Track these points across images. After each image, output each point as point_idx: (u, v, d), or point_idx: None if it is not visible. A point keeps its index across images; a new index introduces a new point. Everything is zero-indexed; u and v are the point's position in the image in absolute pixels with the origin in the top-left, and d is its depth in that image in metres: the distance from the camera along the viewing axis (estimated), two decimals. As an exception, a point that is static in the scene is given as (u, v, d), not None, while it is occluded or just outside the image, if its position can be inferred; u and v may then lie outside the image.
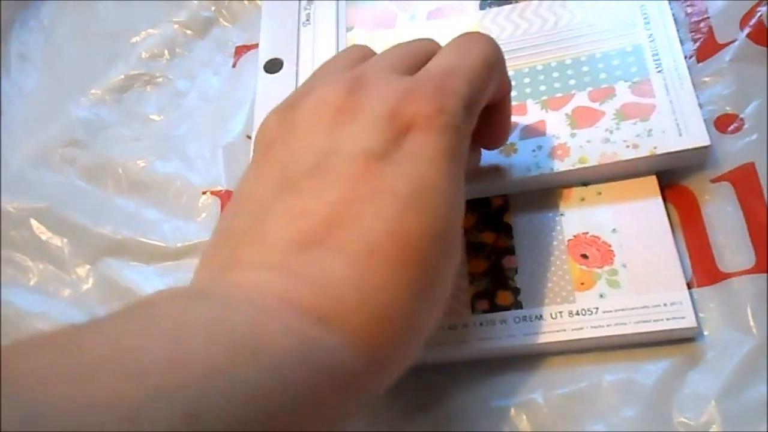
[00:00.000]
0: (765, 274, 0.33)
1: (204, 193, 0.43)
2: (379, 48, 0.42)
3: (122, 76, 0.49)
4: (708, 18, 0.40)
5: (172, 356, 0.21)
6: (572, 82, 0.38)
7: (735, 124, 0.37)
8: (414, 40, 0.33)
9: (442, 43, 0.33)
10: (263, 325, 0.23)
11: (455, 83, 0.29)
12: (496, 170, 0.36)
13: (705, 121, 0.35)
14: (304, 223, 0.26)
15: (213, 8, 0.50)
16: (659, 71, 0.37)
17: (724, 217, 0.35)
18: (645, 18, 0.39)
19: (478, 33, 0.33)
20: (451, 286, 0.28)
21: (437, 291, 0.27)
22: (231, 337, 0.22)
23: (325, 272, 0.25)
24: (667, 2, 0.39)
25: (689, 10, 0.41)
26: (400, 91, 0.28)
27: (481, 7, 0.42)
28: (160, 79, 0.49)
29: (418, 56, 0.32)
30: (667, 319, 0.32)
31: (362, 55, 0.33)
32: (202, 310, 0.23)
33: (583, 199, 0.36)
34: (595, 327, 0.32)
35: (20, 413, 0.17)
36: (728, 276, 0.33)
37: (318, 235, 0.26)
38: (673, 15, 0.39)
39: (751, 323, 0.32)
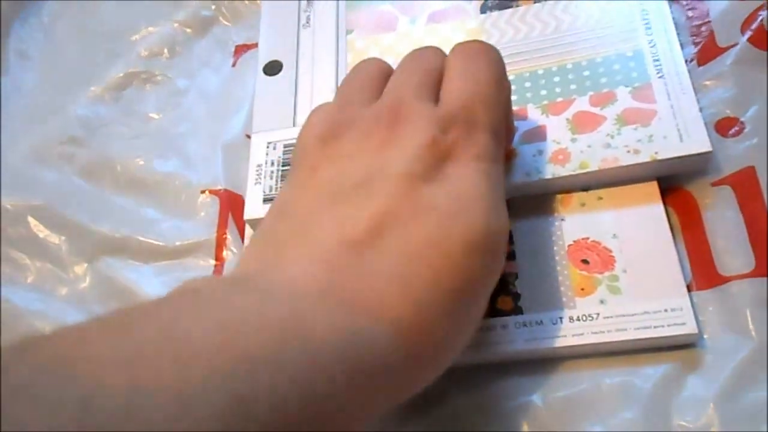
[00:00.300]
0: (764, 278, 0.33)
1: (203, 192, 0.43)
2: (379, 52, 0.42)
3: (121, 74, 0.49)
4: (709, 22, 0.40)
5: (221, 343, 0.21)
6: (573, 86, 0.38)
7: (736, 128, 0.37)
8: (422, 54, 0.35)
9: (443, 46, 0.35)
10: (308, 314, 0.24)
11: (478, 115, 0.31)
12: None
13: (705, 124, 0.35)
14: (349, 228, 0.28)
15: (213, 7, 0.50)
16: (660, 76, 0.37)
17: (724, 221, 0.35)
18: (646, 23, 0.39)
19: (480, 46, 0.34)
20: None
21: (477, 302, 0.29)
22: (277, 326, 0.23)
23: (370, 269, 0.26)
24: (668, 7, 0.39)
25: (690, 13, 0.41)
26: (435, 124, 0.30)
27: (482, 11, 0.42)
28: (160, 78, 0.49)
29: (434, 76, 0.33)
30: (668, 325, 0.32)
31: (380, 70, 0.35)
32: (249, 298, 0.24)
33: (583, 205, 0.36)
34: (595, 333, 0.32)
35: (76, 395, 0.18)
36: (728, 280, 0.33)
37: (363, 238, 0.27)
38: (674, 18, 0.39)
39: (751, 327, 0.32)
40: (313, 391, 0.22)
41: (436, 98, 0.32)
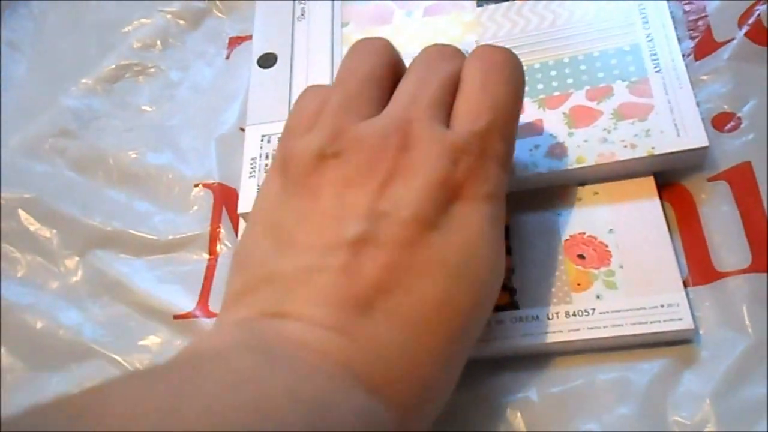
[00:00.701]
0: (761, 274, 0.33)
1: (196, 185, 0.43)
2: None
3: (114, 66, 0.49)
4: (706, 16, 0.40)
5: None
6: (570, 80, 0.38)
7: (732, 123, 0.37)
8: (438, 58, 0.33)
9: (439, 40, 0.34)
10: (333, 397, 0.24)
11: (492, 144, 0.30)
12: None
13: (702, 119, 0.35)
14: (357, 284, 0.27)
15: (207, -2, 0.50)
16: (657, 71, 0.37)
17: (720, 216, 0.35)
18: (643, 17, 0.39)
19: (501, 58, 0.32)
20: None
21: (470, 348, 0.29)
22: (307, 411, 0.23)
23: (379, 340, 0.26)
24: (665, 2, 0.39)
25: (687, 8, 0.41)
26: (448, 156, 0.29)
27: (479, 4, 0.42)
28: (153, 70, 0.48)
29: (450, 86, 0.31)
30: (664, 321, 0.32)
31: (388, 63, 0.33)
32: (278, 375, 0.24)
33: (580, 199, 0.36)
34: (591, 328, 0.32)
35: None
36: (724, 275, 0.33)
37: (371, 297, 0.27)
38: (671, 13, 0.39)
39: (747, 322, 0.32)
40: None
41: (449, 113, 0.31)
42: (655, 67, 0.37)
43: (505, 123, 0.31)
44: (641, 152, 0.34)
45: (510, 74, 0.32)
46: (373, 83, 0.32)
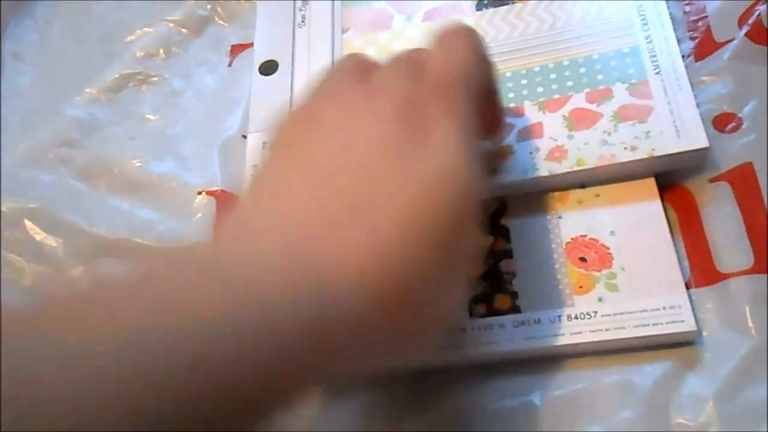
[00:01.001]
0: (763, 275, 0.32)
1: (200, 193, 0.43)
2: (375, 49, 0.42)
3: (117, 75, 0.49)
4: (706, 17, 0.40)
5: (169, 309, 0.22)
6: (570, 83, 0.38)
7: (733, 124, 0.36)
8: (408, 51, 0.34)
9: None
10: (267, 277, 0.24)
11: (457, 83, 0.30)
12: (493, 173, 0.36)
13: (703, 120, 0.35)
14: (326, 204, 0.27)
15: (209, 7, 0.50)
16: (657, 72, 0.37)
17: (722, 218, 0.35)
18: (643, 19, 0.38)
19: (458, 29, 0.33)
20: (470, 270, 0.30)
21: (451, 258, 0.28)
22: (233, 292, 0.23)
23: (343, 238, 0.26)
24: (664, 3, 0.39)
25: (687, 8, 0.40)
26: (415, 93, 0.30)
27: (478, 8, 0.42)
28: (156, 78, 0.49)
29: (420, 63, 0.32)
30: (667, 323, 0.32)
31: (364, 66, 0.33)
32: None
33: (581, 202, 0.36)
34: (593, 331, 0.32)
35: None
36: (726, 276, 0.33)
37: (342, 216, 0.26)
38: (671, 13, 0.39)
39: (750, 324, 0.32)
40: (269, 352, 0.23)
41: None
42: (655, 69, 0.37)
43: (467, 67, 0.31)
44: (641, 154, 0.34)
45: (465, 36, 0.33)
46: (346, 71, 0.33)
